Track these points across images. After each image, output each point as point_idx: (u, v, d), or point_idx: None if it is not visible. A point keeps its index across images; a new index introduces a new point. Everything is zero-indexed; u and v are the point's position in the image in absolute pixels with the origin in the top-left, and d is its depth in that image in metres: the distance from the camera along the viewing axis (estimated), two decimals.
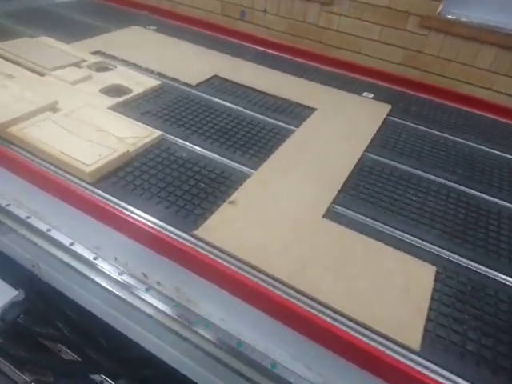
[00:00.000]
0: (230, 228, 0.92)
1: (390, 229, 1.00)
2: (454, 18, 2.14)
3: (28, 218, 1.03)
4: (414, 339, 0.74)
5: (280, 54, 2.04)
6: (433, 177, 1.24)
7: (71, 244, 0.97)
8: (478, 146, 1.45)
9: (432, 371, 0.71)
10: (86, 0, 2.50)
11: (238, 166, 1.15)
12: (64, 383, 1.36)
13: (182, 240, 0.88)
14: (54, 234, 1.00)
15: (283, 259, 0.86)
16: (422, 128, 1.52)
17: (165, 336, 0.84)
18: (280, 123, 1.40)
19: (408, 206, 1.09)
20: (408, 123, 1.54)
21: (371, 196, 1.11)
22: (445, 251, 0.96)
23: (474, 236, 1.02)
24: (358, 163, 1.24)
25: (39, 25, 1.93)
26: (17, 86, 1.30)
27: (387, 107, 1.60)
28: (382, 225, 1.01)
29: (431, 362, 0.72)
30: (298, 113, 1.49)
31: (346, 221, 1.01)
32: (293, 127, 1.38)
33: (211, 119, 1.36)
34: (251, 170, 1.13)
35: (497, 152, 1.43)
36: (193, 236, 0.90)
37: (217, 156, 1.18)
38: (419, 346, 0.74)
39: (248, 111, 1.45)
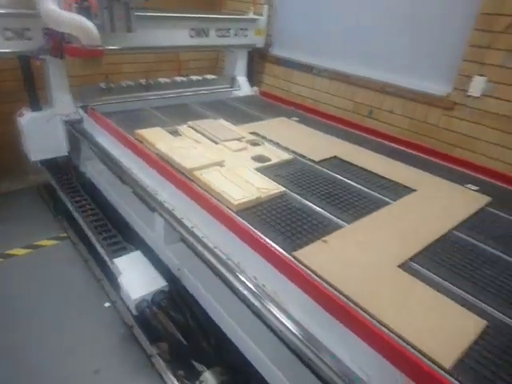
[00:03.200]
0: (318, 257, 1.27)
1: (455, 288, 1.19)
2: None
3: (192, 227, 1.58)
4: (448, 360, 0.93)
5: (396, 146, 2.40)
6: None
7: (215, 247, 1.46)
8: None
9: None
10: (253, 96, 3.39)
11: (336, 219, 1.52)
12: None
13: (283, 255, 1.27)
14: (206, 240, 1.51)
15: (355, 285, 1.15)
16: None
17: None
18: (380, 196, 1.73)
19: (480, 277, 1.25)
20: (505, 216, 1.67)
21: (446, 262, 1.31)
22: (502, 315, 1.10)
23: None
24: (442, 236, 1.45)
25: (220, 111, 2.77)
26: (202, 148, 1.99)
27: (487, 199, 1.77)
28: (447, 283, 1.21)
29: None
30: (398, 191, 1.79)
31: (417, 274, 1.24)
32: (391, 201, 1.69)
33: (325, 186, 1.78)
34: (345, 224, 1.48)
35: None
36: (291, 255, 1.27)
37: (321, 210, 1.58)
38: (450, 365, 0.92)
39: (355, 184, 1.83)
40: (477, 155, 2.55)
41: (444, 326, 1.04)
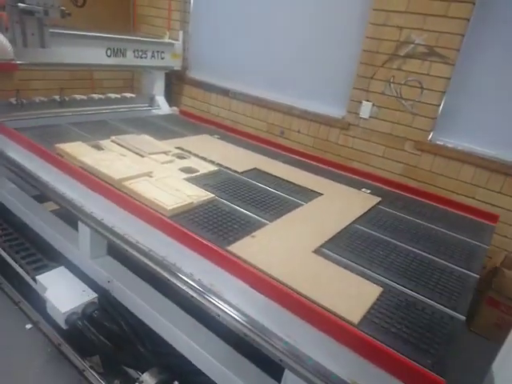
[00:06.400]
0: (249, 249, 1.46)
1: (357, 266, 1.48)
2: (442, 143, 2.81)
3: (124, 235, 1.64)
4: (355, 317, 1.18)
5: (305, 160, 2.75)
6: (400, 244, 1.72)
7: (150, 250, 1.55)
8: (441, 229, 1.93)
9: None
10: (173, 114, 3.52)
11: (260, 218, 1.73)
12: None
13: (218, 249, 1.42)
14: (141, 245, 1.59)
15: (280, 269, 1.36)
16: (402, 215, 2.04)
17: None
18: (294, 199, 2.01)
19: (375, 256, 1.57)
20: (391, 211, 2.08)
21: (349, 246, 1.61)
22: (393, 283, 1.41)
23: (418, 278, 1.47)
24: (345, 228, 1.77)
25: (142, 128, 2.84)
26: (128, 161, 2.06)
27: (377, 199, 2.17)
28: (351, 262, 1.50)
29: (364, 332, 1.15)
30: (308, 195, 2.09)
31: (328, 257, 1.50)
32: (303, 202, 1.97)
33: (248, 192, 2.00)
34: (268, 222, 1.70)
35: (453, 234, 1.90)
36: (225, 250, 1.44)
37: (247, 212, 1.78)
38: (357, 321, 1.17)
39: (273, 190, 2.09)
40: (369, 166, 3.05)
41: (350, 293, 1.30)
